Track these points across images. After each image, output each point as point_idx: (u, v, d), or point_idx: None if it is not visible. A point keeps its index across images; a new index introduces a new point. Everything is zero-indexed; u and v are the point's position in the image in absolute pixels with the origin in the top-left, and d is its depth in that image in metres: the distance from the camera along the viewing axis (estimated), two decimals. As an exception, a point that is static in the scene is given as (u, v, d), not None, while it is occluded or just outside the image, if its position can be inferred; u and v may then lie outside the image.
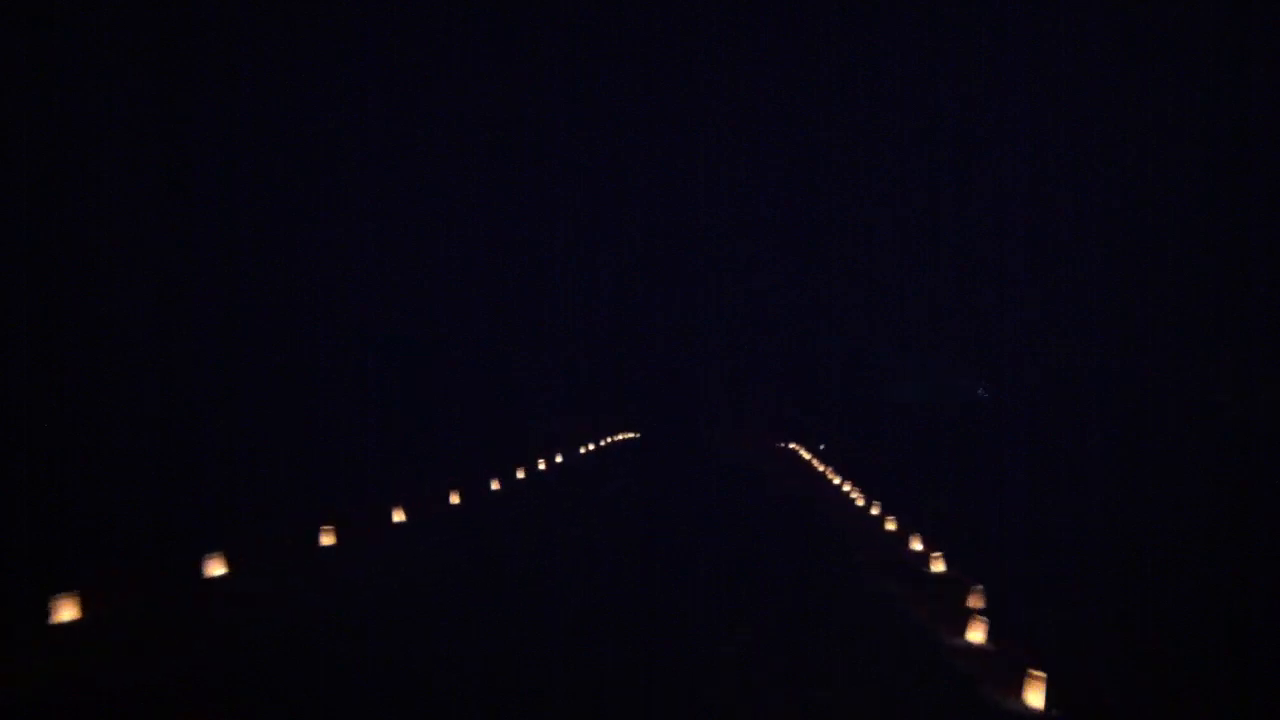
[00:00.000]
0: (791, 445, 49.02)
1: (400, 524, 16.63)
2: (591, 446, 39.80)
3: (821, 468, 33.78)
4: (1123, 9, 35.79)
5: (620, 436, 47.91)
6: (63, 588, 9.75)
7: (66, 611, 9.74)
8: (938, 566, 14.35)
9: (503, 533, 16.21)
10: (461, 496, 20.19)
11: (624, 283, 67.08)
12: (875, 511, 20.81)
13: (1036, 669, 8.42)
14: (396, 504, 17.10)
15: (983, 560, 14.54)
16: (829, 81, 68.23)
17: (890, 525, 18.81)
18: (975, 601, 11.57)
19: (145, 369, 23.42)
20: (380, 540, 14.96)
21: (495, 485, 23.12)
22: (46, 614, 9.58)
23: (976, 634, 10.10)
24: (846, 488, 25.48)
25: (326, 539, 14.25)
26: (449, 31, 47.05)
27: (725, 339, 66.81)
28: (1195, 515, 17.44)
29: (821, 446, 45.66)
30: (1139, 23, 34.10)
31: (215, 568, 11.96)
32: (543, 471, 28.66)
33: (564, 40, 60.20)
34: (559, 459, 32.79)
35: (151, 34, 25.55)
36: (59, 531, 12.88)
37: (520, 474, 26.32)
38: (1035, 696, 8.14)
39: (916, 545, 16.39)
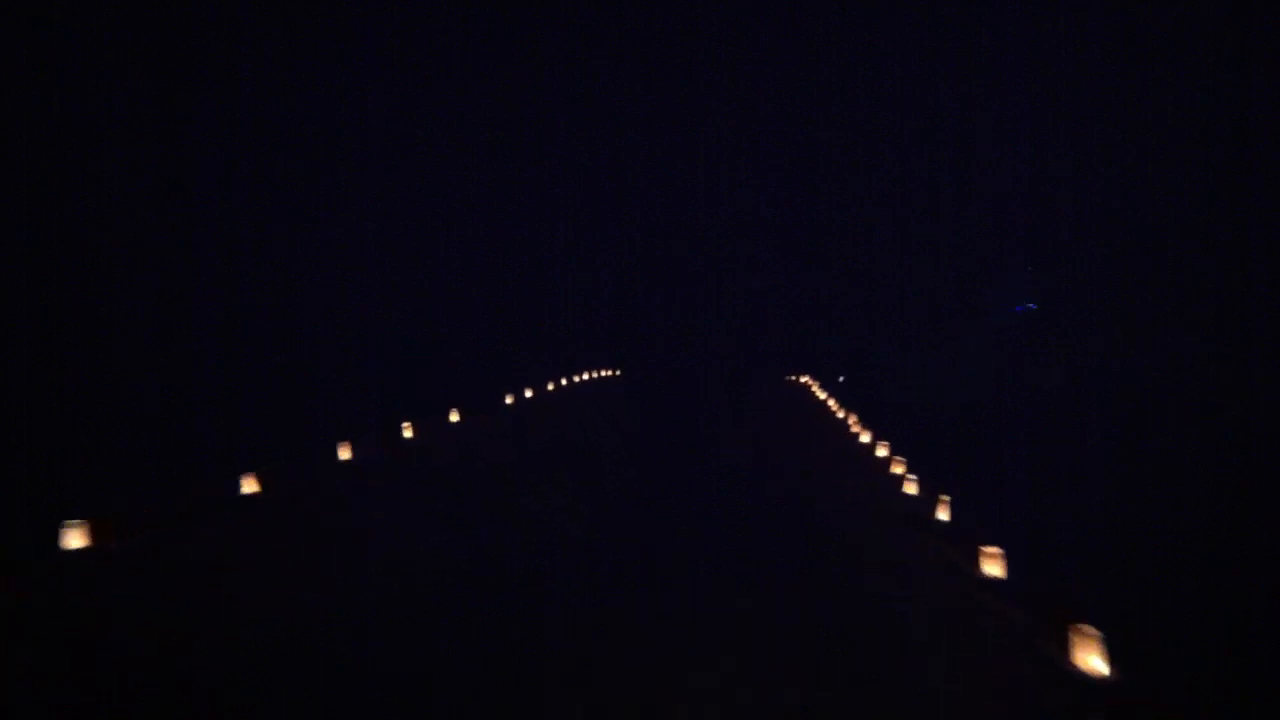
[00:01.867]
0: (804, 379, 44.76)
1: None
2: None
3: (841, 413, 27.76)
4: (1123, 9, 35.85)
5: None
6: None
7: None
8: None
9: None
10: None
11: (624, 283, 67.16)
12: (944, 515, 13.21)
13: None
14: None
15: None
16: (829, 81, 68.30)
17: (994, 568, 10.07)
18: None
19: (146, 369, 23.46)
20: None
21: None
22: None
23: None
24: (883, 452, 19.23)
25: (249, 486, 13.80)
26: (449, 31, 47.14)
27: (725, 339, 66.92)
28: (1195, 515, 17.46)
29: (840, 379, 41.72)
30: (1139, 23, 34.15)
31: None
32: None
33: (564, 40, 60.29)
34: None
35: (151, 34, 25.59)
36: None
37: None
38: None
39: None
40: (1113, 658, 7.62)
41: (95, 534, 10.91)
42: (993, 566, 10.10)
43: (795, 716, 6.82)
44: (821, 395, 34.41)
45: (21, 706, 6.54)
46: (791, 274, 68.31)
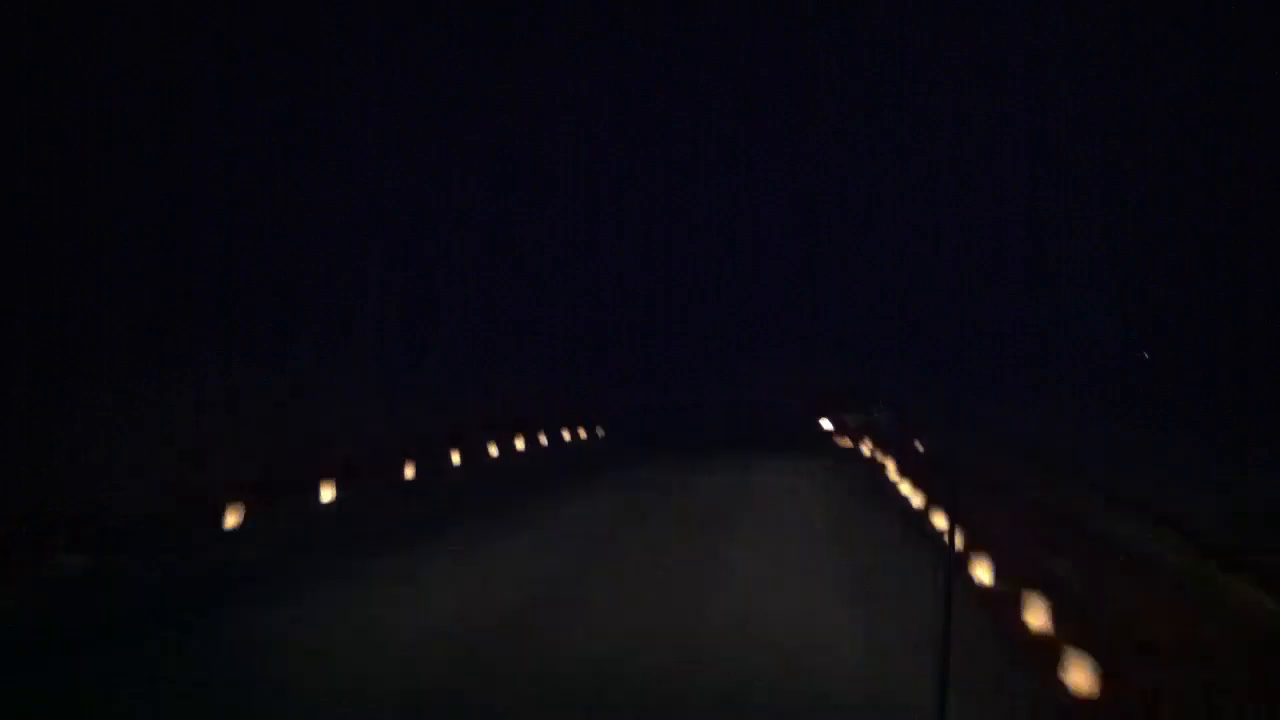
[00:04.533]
0: (864, 448, 32.67)
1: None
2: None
3: (985, 575, 13.00)
4: (1123, 9, 35.85)
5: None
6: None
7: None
8: None
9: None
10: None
11: (624, 283, 67.10)
12: None
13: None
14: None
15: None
16: (829, 81, 68.34)
17: None
18: None
19: (145, 369, 23.43)
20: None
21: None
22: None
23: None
24: None
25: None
26: (449, 31, 47.10)
27: (725, 339, 66.93)
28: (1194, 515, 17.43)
29: (919, 448, 28.24)
30: (1138, 23, 34.14)
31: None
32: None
33: (564, 40, 60.20)
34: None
35: (151, 34, 25.55)
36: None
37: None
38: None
39: None
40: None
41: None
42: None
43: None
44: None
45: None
46: (792, 274, 68.35)
